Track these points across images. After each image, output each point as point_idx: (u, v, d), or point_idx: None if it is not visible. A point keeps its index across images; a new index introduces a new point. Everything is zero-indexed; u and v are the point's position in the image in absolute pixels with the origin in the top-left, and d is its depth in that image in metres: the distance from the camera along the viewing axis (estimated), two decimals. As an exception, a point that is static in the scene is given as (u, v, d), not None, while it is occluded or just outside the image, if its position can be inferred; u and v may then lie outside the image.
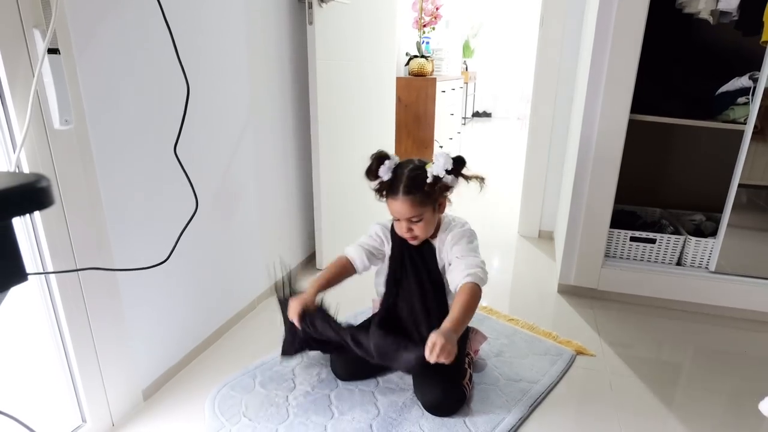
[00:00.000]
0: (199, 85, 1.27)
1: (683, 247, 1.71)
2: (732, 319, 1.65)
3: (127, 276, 1.11)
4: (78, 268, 0.97)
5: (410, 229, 1.17)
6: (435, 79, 2.92)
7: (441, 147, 3.15)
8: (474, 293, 1.10)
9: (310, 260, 2.00)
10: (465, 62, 6.13)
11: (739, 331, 1.60)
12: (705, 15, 1.59)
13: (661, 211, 2.01)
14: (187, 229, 1.20)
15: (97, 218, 1.01)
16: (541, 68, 2.17)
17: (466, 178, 1.16)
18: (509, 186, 3.28)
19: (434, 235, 1.23)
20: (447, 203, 1.21)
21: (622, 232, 1.75)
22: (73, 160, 0.93)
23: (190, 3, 1.22)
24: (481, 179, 1.16)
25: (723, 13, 1.60)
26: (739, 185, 1.55)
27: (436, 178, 1.13)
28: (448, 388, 1.17)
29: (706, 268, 1.69)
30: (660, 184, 2.09)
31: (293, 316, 1.14)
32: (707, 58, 1.79)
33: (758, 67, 1.49)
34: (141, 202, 1.14)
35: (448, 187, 1.15)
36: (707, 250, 1.68)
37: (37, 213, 0.92)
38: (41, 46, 0.83)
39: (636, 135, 1.61)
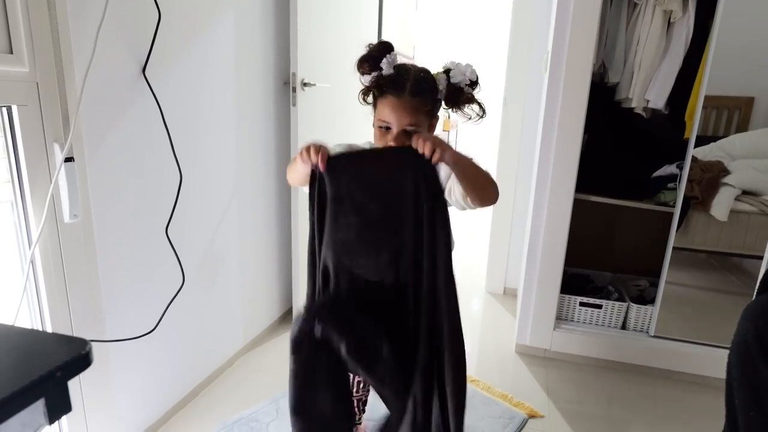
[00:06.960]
0: (193, 170, 1.43)
1: (627, 312, 1.89)
2: (674, 381, 1.79)
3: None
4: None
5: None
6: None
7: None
8: (488, 175, 0.93)
9: (286, 316, 2.13)
10: (448, 113, 6.43)
11: (680, 392, 1.73)
12: (639, 110, 1.83)
13: (611, 275, 2.19)
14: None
15: (94, 296, 1.14)
16: (505, 134, 2.39)
17: (474, 101, 0.98)
18: (479, 242, 3.45)
19: None
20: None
21: (573, 297, 1.92)
22: (78, 248, 1.08)
23: (189, 99, 1.40)
24: (483, 110, 0.99)
25: (655, 109, 1.84)
26: (676, 248, 1.74)
27: (455, 88, 0.95)
28: None
29: (647, 332, 1.86)
30: (610, 250, 2.28)
31: (315, 157, 0.93)
32: (646, 145, 2.02)
33: (684, 157, 1.71)
34: (133, 277, 1.28)
35: (468, 99, 0.97)
36: (647, 315, 1.85)
37: (43, 291, 1.05)
38: (59, 156, 0.99)
39: (587, 207, 1.81)
